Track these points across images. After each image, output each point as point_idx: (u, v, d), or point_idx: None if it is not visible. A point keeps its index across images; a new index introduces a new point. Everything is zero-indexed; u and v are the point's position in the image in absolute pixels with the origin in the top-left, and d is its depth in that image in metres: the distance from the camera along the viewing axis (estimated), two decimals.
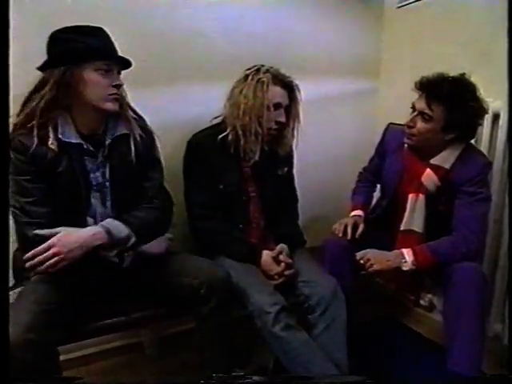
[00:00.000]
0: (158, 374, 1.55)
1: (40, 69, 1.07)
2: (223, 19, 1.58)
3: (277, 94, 1.35)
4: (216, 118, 1.47)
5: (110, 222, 1.12)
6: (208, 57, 1.57)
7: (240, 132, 1.35)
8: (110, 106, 1.12)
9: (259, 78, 1.33)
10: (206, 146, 1.40)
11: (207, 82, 1.56)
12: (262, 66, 1.37)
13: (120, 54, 1.15)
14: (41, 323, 0.95)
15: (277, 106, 1.36)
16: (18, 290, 1.06)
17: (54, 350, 1.05)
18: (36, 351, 0.93)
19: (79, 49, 1.06)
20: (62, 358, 1.48)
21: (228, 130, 1.38)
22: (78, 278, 1.08)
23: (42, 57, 1.07)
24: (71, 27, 1.08)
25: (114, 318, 1.18)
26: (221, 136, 1.39)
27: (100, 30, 1.11)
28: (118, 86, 1.13)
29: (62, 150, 1.09)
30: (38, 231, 1.03)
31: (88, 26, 1.10)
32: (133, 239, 1.12)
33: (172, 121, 1.53)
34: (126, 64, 1.16)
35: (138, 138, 1.19)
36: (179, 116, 1.56)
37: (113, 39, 1.13)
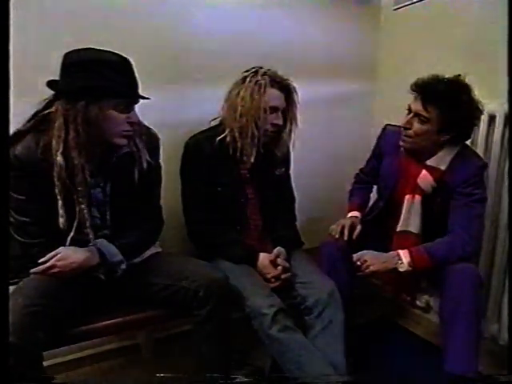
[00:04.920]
0: (154, 375, 1.54)
1: (50, 87, 1.04)
2: (222, 21, 1.58)
3: (274, 96, 1.35)
4: (214, 119, 1.47)
5: (106, 246, 1.13)
6: (207, 58, 1.57)
7: (237, 134, 1.36)
8: (121, 141, 1.10)
9: (257, 81, 1.33)
10: (203, 148, 1.40)
11: (206, 84, 1.57)
12: (260, 68, 1.37)
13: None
14: (25, 326, 0.92)
15: (273, 109, 1.36)
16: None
17: (38, 353, 1.00)
18: (18, 354, 0.89)
19: (103, 86, 1.02)
20: (58, 360, 1.49)
21: (226, 132, 1.38)
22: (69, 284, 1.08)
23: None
24: (95, 55, 1.02)
25: (110, 321, 1.17)
26: (219, 138, 1.39)
27: (125, 61, 1.06)
28: (133, 124, 1.10)
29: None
30: (40, 260, 1.06)
31: (114, 56, 1.04)
32: (123, 265, 1.14)
33: (170, 122, 1.52)
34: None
35: (145, 165, 1.17)
36: (178, 117, 1.55)
37: (135, 72, 1.09)
